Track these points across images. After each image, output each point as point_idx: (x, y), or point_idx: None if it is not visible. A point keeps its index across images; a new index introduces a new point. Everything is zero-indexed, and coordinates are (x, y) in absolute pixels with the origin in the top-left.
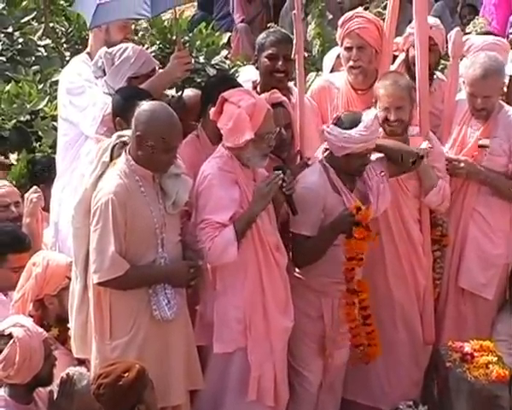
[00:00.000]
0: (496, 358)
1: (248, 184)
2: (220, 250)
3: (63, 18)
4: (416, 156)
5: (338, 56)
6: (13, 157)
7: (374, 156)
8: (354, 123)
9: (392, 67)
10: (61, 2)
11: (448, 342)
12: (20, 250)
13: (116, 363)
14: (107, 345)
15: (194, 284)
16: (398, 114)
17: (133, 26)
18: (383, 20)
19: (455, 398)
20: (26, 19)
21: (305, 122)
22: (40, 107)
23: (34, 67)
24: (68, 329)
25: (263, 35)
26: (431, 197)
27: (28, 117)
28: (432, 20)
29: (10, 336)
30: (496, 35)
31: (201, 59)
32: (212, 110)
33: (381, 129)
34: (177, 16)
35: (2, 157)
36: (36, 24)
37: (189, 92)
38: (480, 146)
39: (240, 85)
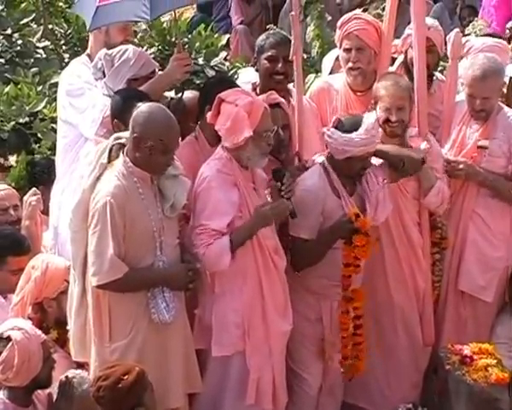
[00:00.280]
0: (495, 361)
1: (247, 187)
2: (213, 258)
3: (62, 20)
4: (419, 163)
5: (337, 58)
6: (12, 159)
7: (374, 161)
8: (355, 126)
9: (391, 69)
10: (60, 4)
11: (447, 344)
12: (19, 253)
13: (116, 365)
14: (106, 348)
15: (193, 287)
16: (400, 114)
17: (132, 28)
18: (382, 21)
19: (454, 401)
20: (24, 21)
21: (303, 123)
22: (39, 109)
23: (33, 69)
24: (67, 331)
25: (262, 37)
26: (430, 198)
27: (27, 119)
28: (430, 22)
29: (9, 339)
30: (496, 36)
31: (200, 61)
32: (209, 113)
33: (380, 130)
34: (177, 18)
35: (2, 159)
36: (35, 26)
37: (188, 94)
38: (480, 147)
39: (237, 86)
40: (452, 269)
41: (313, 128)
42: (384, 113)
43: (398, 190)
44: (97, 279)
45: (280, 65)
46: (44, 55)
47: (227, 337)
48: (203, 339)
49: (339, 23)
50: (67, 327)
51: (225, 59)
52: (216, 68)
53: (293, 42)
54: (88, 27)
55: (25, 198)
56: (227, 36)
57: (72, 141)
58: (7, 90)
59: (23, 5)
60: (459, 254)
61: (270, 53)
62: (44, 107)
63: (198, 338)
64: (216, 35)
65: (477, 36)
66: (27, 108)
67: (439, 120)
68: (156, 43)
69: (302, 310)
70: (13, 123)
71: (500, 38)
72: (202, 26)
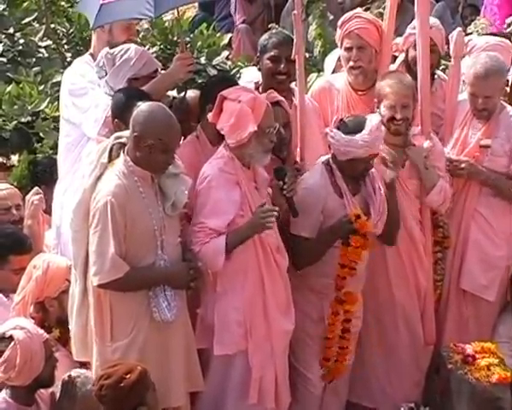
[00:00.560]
0: (497, 360)
1: (249, 186)
2: (208, 257)
3: (64, 19)
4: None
5: (339, 59)
6: (14, 158)
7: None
8: (358, 128)
9: (392, 68)
10: (62, 3)
11: (449, 343)
12: (21, 252)
13: (118, 365)
14: (108, 347)
15: (195, 286)
16: (404, 112)
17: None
18: (383, 20)
19: (456, 400)
20: (27, 20)
21: (306, 123)
22: (41, 108)
23: (35, 68)
24: (69, 330)
25: (265, 36)
26: (432, 197)
27: (29, 118)
28: (431, 21)
29: (11, 338)
30: (500, 35)
31: (202, 60)
32: (211, 112)
33: (383, 128)
34: (179, 17)
35: (4, 158)
36: (37, 25)
37: (190, 93)
38: (482, 146)
39: (238, 85)
40: (454, 268)
41: (316, 127)
42: (389, 111)
43: (399, 187)
44: (98, 279)
45: (282, 65)
46: (46, 55)
47: (229, 336)
48: (205, 338)
49: (339, 22)
50: (69, 326)
51: (227, 58)
52: (218, 67)
53: (295, 41)
54: (91, 25)
55: (27, 197)
56: (229, 35)
57: (74, 140)
58: (9, 89)
59: (25, 4)
60: (461, 254)
61: (272, 53)
62: (46, 106)
63: (200, 337)
64: (218, 34)
65: (479, 35)
66: (29, 107)
67: (441, 118)
68: (158, 42)
69: (305, 309)
70: (15, 122)
71: (504, 36)
72: (204, 25)
